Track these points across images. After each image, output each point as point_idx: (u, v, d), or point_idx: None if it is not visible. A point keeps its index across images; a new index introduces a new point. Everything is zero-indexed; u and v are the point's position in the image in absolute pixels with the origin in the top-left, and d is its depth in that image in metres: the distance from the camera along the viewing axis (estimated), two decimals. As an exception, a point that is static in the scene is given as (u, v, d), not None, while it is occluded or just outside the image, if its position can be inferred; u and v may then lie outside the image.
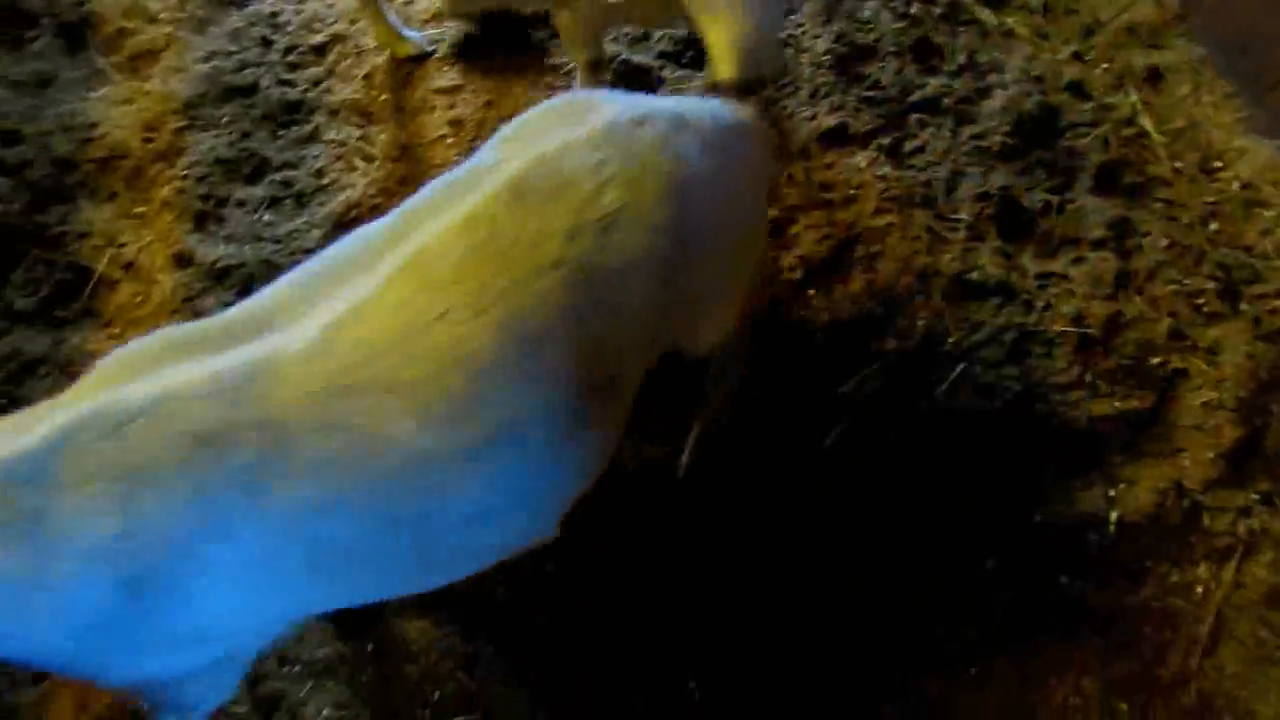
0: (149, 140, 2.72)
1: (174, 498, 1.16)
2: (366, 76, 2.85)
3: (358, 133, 2.75)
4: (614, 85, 2.30)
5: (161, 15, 2.98)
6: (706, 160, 1.46)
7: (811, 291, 2.50)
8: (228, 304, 1.60)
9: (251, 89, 2.79)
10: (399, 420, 1.22)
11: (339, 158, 2.69)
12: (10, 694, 1.97)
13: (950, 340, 2.42)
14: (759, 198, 1.80)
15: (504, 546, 1.47)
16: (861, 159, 2.68)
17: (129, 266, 2.53)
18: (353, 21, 2.97)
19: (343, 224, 2.56)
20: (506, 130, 1.50)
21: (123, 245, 2.56)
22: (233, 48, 2.88)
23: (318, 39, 2.92)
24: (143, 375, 1.21)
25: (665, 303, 1.43)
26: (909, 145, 2.71)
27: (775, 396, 2.32)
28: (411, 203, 1.41)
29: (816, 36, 2.90)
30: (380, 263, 1.30)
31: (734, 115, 1.62)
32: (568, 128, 1.40)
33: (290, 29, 2.93)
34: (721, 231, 1.52)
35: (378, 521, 1.28)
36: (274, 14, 2.95)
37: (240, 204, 2.61)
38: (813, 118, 2.75)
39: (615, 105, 1.46)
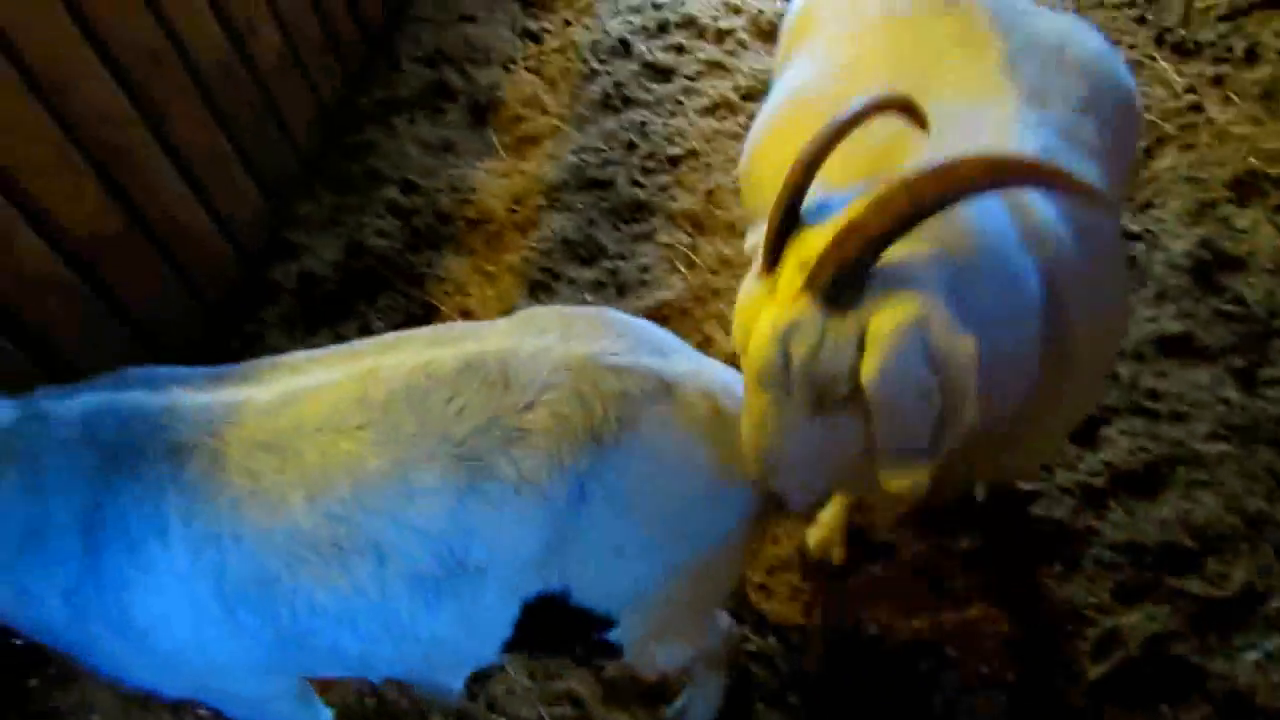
0: (513, 211, 3.11)
1: (138, 485, 1.40)
2: (709, 192, 3.06)
3: (688, 240, 2.95)
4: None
5: (552, 109, 3.42)
6: (665, 440, 1.42)
7: (1112, 503, 2.28)
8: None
9: (608, 184, 3.11)
10: (293, 492, 1.39)
11: (665, 259, 2.90)
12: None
13: (1274, 604, 2.09)
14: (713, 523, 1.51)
15: (366, 662, 1.55)
16: (1204, 375, 2.43)
17: (466, 314, 2.88)
18: (708, 140, 3.23)
19: (654, 319, 2.73)
20: (530, 311, 1.59)
21: (468, 294, 2.91)
22: (602, 146, 3.24)
23: (674, 151, 3.19)
24: (187, 390, 1.50)
25: (548, 541, 1.40)
26: (1266, 373, 2.42)
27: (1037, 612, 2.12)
28: (420, 331, 1.56)
29: (1178, 236, 2.70)
30: (354, 362, 1.48)
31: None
32: (561, 335, 1.46)
33: (654, 138, 3.23)
34: (630, 518, 1.42)
35: (261, 574, 1.40)
36: (644, 123, 3.28)
37: (571, 281, 2.89)
38: (1154, 319, 2.55)
39: (617, 341, 1.46)
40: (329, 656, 1.51)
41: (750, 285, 1.29)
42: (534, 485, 1.37)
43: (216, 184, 2.75)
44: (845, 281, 1.15)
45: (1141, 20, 3.39)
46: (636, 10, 3.74)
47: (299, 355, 1.56)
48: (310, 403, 1.43)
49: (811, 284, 1.17)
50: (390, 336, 1.55)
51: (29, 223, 2.13)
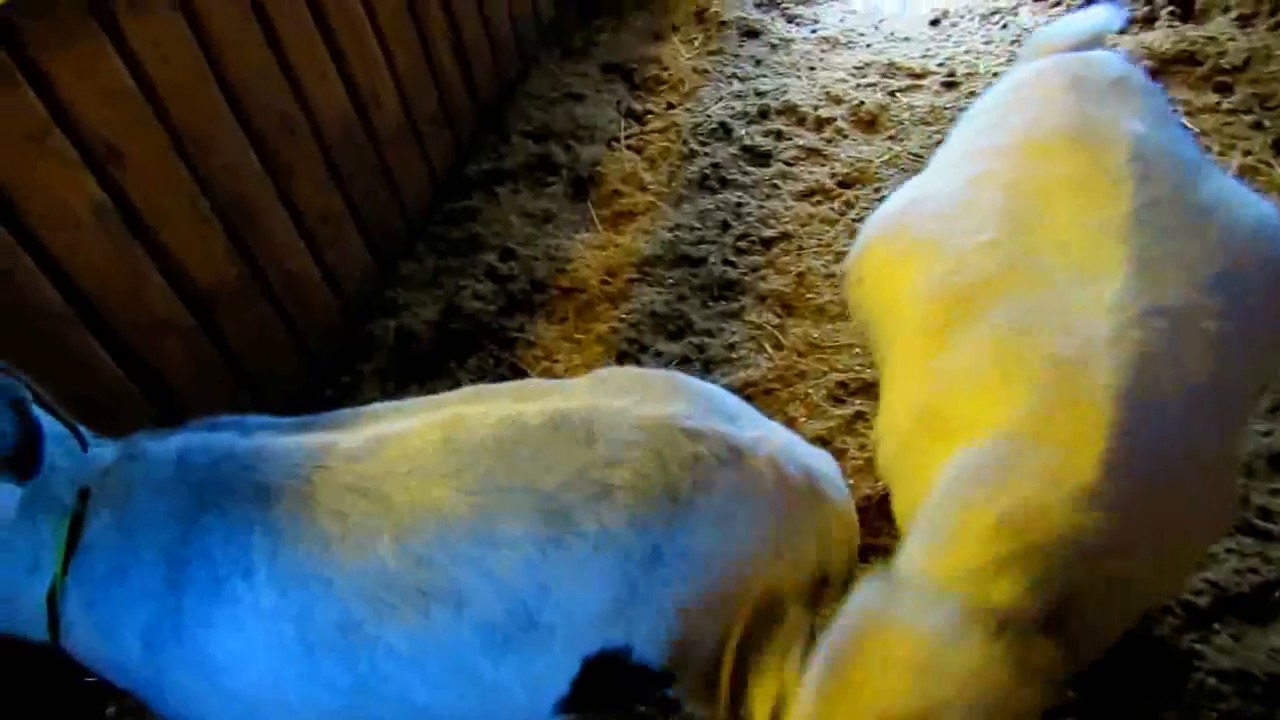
0: (606, 283, 3.17)
1: (226, 523, 1.43)
2: (800, 275, 3.07)
3: (776, 320, 2.95)
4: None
5: (651, 186, 3.51)
6: (734, 503, 1.45)
7: (1217, 626, 2.14)
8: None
9: (700, 261, 3.15)
10: (380, 534, 1.41)
11: (752, 338, 2.90)
12: None
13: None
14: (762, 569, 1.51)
15: (429, 712, 1.50)
16: (1322, 497, 2.29)
17: (552, 379, 2.92)
18: (802, 224, 3.26)
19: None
20: (609, 370, 1.65)
21: (555, 360, 2.97)
22: (696, 224, 3.30)
23: (768, 233, 3.23)
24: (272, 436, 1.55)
25: (621, 597, 1.42)
26: (1393, 500, 2.26)
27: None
28: (499, 386, 1.61)
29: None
30: (439, 410, 1.52)
31: (815, 484, 1.55)
32: (640, 396, 1.51)
33: (749, 219, 3.28)
34: (696, 580, 1.45)
35: (345, 618, 1.41)
36: (739, 204, 3.33)
37: (657, 354, 2.92)
38: (1268, 434, 2.42)
39: (691, 404, 1.51)
40: (395, 708, 1.50)
41: None
42: (614, 541, 1.40)
43: (329, 240, 2.90)
44: None
45: (1258, 126, 3.31)
46: (739, 96, 3.84)
47: (385, 405, 1.60)
48: (397, 448, 1.47)
49: None
50: (471, 390, 1.60)
51: (160, 268, 2.28)
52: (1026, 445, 1.33)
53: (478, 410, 1.51)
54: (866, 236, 1.85)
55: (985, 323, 1.47)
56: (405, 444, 1.48)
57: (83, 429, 1.50)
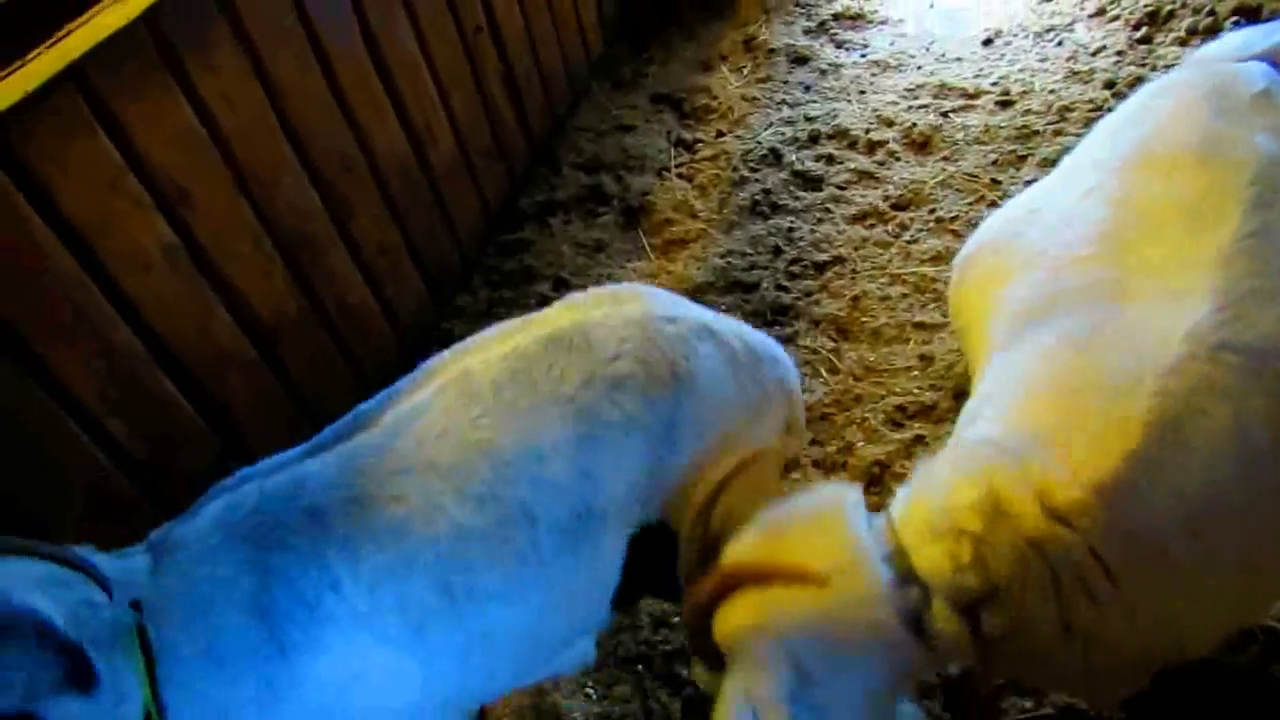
0: (658, 310, 3.18)
1: (294, 553, 1.43)
2: (854, 299, 3.05)
3: (831, 345, 2.93)
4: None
5: (701, 214, 3.52)
6: (719, 369, 1.67)
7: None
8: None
9: (753, 287, 3.14)
10: (442, 497, 1.49)
11: (807, 363, 2.88)
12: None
13: None
14: (761, 434, 1.76)
15: (534, 640, 1.61)
16: None
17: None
18: (855, 248, 3.23)
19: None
20: (570, 295, 1.76)
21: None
22: (749, 250, 3.29)
23: (822, 257, 3.21)
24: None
25: (651, 470, 1.62)
26: None
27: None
28: (470, 340, 1.69)
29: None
30: (442, 374, 1.61)
31: (768, 349, 1.81)
32: (611, 304, 1.68)
33: (801, 244, 3.27)
34: (706, 435, 1.66)
35: (440, 583, 1.47)
36: (791, 229, 3.33)
37: (711, 381, 2.91)
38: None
39: (656, 302, 1.71)
40: (509, 648, 1.58)
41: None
42: (636, 422, 1.58)
43: (386, 274, 2.97)
44: (704, 652, 1.36)
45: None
46: (789, 122, 3.85)
47: (379, 397, 1.63)
48: (422, 419, 1.55)
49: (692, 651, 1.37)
50: (450, 351, 1.68)
51: (225, 304, 2.36)
52: (1041, 448, 1.32)
53: (477, 360, 1.61)
54: (973, 243, 1.84)
55: (1052, 331, 1.46)
56: (426, 413, 1.56)
57: (83, 551, 1.37)
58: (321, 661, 1.43)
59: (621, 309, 1.67)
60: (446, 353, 1.68)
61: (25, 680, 1.15)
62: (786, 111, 3.93)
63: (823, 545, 1.35)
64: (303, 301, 2.62)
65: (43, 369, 1.91)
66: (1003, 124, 3.59)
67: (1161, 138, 1.61)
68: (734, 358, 1.71)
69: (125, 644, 1.33)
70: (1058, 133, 3.46)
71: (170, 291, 2.20)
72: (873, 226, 3.31)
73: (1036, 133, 3.49)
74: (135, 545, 1.47)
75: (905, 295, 3.03)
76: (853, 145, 3.66)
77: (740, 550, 1.41)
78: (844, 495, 1.45)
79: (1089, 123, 3.47)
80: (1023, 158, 3.41)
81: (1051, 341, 1.45)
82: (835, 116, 3.80)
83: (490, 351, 1.62)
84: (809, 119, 3.83)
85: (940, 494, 1.36)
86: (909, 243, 3.18)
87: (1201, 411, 1.28)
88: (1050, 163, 3.32)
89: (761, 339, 1.84)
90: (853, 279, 3.12)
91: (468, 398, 1.55)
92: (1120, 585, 1.27)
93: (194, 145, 2.24)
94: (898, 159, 3.56)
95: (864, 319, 2.99)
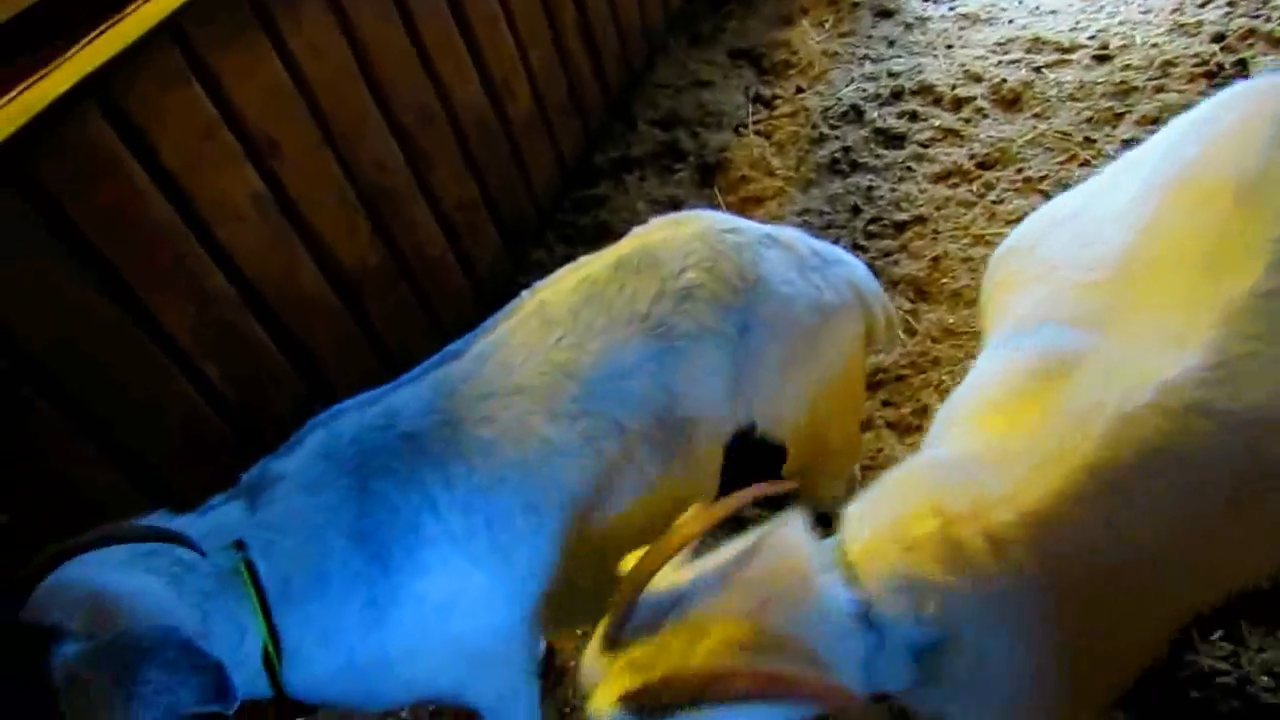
0: (732, 268, 3.16)
1: (393, 479, 1.52)
2: (934, 259, 2.97)
3: (909, 306, 2.87)
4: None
5: (778, 171, 3.47)
6: (787, 272, 1.69)
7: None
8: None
9: (829, 246, 3.10)
10: (531, 416, 1.57)
11: (883, 325, 2.83)
12: None
13: None
14: (835, 332, 1.78)
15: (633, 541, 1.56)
16: None
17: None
18: (937, 207, 3.15)
19: (869, 385, 2.67)
20: (634, 230, 1.80)
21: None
22: (826, 209, 3.24)
23: (902, 217, 3.14)
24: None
25: (732, 376, 1.64)
26: None
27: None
28: (543, 280, 1.77)
29: None
30: (519, 310, 1.70)
31: (834, 253, 1.83)
32: (673, 226, 1.74)
33: (881, 203, 3.20)
34: (783, 335, 1.68)
35: (528, 501, 1.56)
36: (871, 188, 3.25)
37: (784, 340, 2.89)
38: None
39: (714, 217, 1.76)
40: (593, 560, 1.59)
41: (595, 649, 1.24)
42: (710, 330, 1.63)
43: (464, 227, 3.01)
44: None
45: None
46: (871, 78, 3.75)
47: (461, 341, 1.71)
48: (505, 348, 1.65)
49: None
50: (533, 286, 1.76)
51: (311, 254, 2.43)
52: (989, 469, 1.27)
53: (551, 291, 1.71)
54: (1007, 242, 1.76)
55: (1035, 350, 1.39)
56: (510, 342, 1.65)
57: (158, 519, 1.46)
58: (421, 582, 1.51)
59: (684, 228, 1.74)
60: (525, 292, 1.76)
61: (168, 701, 1.19)
62: (869, 67, 3.83)
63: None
64: (384, 253, 2.68)
65: (144, 312, 2.00)
66: (1099, 80, 3.43)
67: (1208, 160, 1.44)
68: (800, 261, 1.74)
69: (233, 585, 1.40)
70: (1159, 89, 3.30)
71: (260, 240, 2.28)
72: (956, 186, 3.21)
73: (1136, 89, 3.33)
74: (219, 495, 1.54)
75: (988, 257, 2.94)
76: (938, 102, 3.55)
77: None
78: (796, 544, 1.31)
79: (1193, 79, 3.30)
80: (1120, 115, 3.26)
81: (1031, 360, 1.38)
82: (920, 72, 3.68)
83: (563, 283, 1.71)
84: (892, 75, 3.72)
85: (897, 530, 1.27)
86: (994, 203, 3.08)
87: (1148, 471, 1.20)
88: (1150, 121, 3.17)
89: (826, 244, 1.87)
90: (934, 239, 3.04)
91: (547, 325, 1.65)
92: (1057, 620, 1.22)
93: (283, 97, 2.30)
94: (985, 116, 3.44)
95: (944, 280, 2.92)
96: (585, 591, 1.62)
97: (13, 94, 1.68)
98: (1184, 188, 1.43)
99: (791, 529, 1.30)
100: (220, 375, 2.20)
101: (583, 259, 1.78)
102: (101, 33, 1.82)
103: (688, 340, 1.61)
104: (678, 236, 1.70)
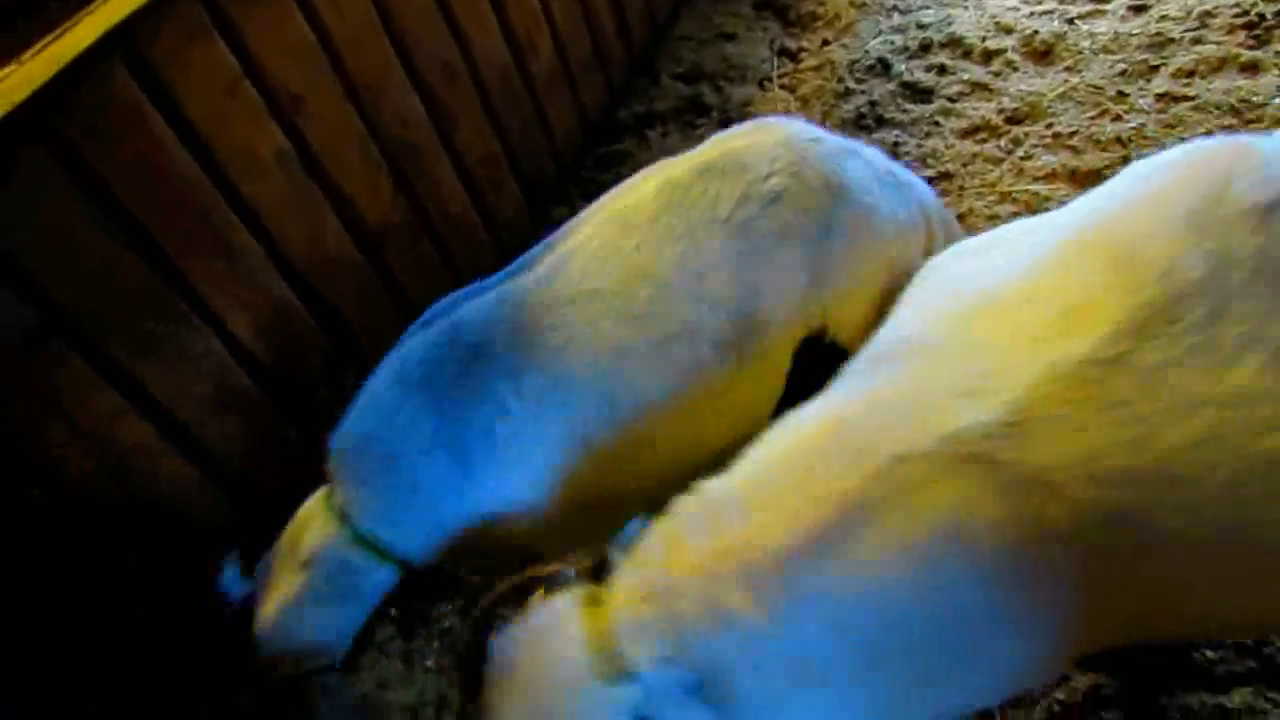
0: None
1: (466, 386, 1.61)
2: (960, 216, 2.93)
3: (932, 265, 2.85)
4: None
5: (803, 126, 3.42)
6: (868, 184, 1.71)
7: None
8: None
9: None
10: (603, 319, 1.61)
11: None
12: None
13: None
14: (904, 248, 1.76)
15: (699, 447, 1.66)
16: None
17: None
18: (964, 163, 3.10)
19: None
20: (716, 136, 1.82)
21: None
22: (850, 165, 3.20)
23: (928, 172, 3.09)
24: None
25: (809, 278, 1.65)
26: None
27: None
28: (620, 185, 1.80)
29: None
30: (590, 219, 1.74)
31: (906, 174, 1.86)
32: (760, 134, 1.75)
33: (907, 158, 3.15)
34: (860, 243, 1.68)
35: (597, 400, 1.61)
36: (897, 143, 3.21)
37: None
38: None
39: (798, 126, 1.78)
40: (667, 457, 1.70)
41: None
42: (792, 232, 1.64)
43: (487, 184, 3.01)
44: None
45: None
46: (899, 30, 3.67)
47: (536, 249, 1.78)
48: (580, 256, 1.69)
49: None
50: (609, 192, 1.82)
51: (334, 210, 2.44)
52: (751, 507, 1.25)
53: (631, 197, 1.73)
54: (934, 260, 1.65)
55: (858, 382, 1.38)
56: (584, 250, 1.69)
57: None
58: (502, 481, 1.64)
59: (769, 135, 1.74)
60: (603, 197, 1.80)
61: None
62: (897, 19, 3.75)
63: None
64: (406, 208, 2.69)
65: (171, 267, 2.03)
66: (1134, 31, 3.34)
67: (1116, 219, 1.30)
68: (878, 175, 1.77)
69: (359, 555, 1.67)
70: (1196, 40, 3.21)
71: (284, 196, 2.29)
72: (984, 141, 3.16)
73: (1172, 40, 3.24)
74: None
75: (1015, 214, 2.89)
76: (967, 55, 3.47)
77: None
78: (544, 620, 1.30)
79: (1232, 30, 3.20)
80: (1154, 68, 3.18)
81: (843, 393, 1.36)
82: (950, 24, 3.60)
83: (643, 189, 1.74)
84: (921, 27, 3.64)
85: (659, 585, 1.24)
86: (1022, 159, 3.03)
87: (907, 512, 1.16)
88: (1186, 73, 3.09)
89: (900, 165, 1.90)
90: (959, 196, 3.00)
91: (625, 230, 1.68)
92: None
93: (306, 52, 2.29)
94: (1015, 69, 3.36)
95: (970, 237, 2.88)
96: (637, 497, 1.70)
97: (39, 47, 1.69)
98: (1079, 241, 1.31)
99: (549, 619, 1.27)
100: (248, 331, 2.23)
101: (663, 162, 1.80)
102: (124, -14, 1.82)
103: (769, 241, 1.63)
104: (763, 143, 1.71)
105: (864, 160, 1.77)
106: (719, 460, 1.50)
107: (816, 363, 1.65)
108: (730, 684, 1.18)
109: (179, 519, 2.13)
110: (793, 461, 1.28)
